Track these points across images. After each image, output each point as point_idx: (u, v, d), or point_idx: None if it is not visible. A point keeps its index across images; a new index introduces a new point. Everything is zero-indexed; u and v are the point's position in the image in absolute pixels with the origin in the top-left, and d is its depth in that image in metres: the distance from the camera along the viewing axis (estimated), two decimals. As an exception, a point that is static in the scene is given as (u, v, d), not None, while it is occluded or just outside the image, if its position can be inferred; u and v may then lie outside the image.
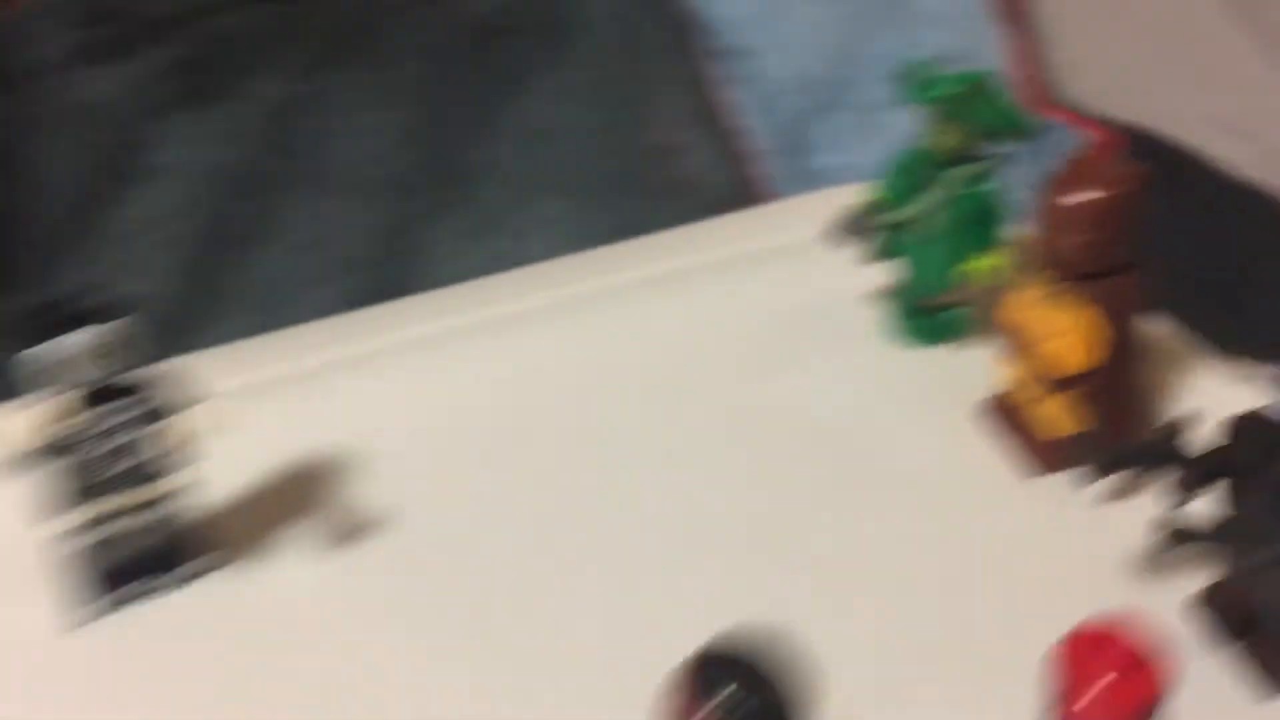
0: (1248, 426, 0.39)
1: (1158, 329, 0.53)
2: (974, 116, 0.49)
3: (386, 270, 0.69)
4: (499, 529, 0.47)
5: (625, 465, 0.50)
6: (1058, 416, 0.48)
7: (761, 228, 0.64)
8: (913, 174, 0.52)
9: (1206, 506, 0.40)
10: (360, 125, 0.79)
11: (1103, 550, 0.45)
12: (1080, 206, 0.45)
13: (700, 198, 0.75)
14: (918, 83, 0.49)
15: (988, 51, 0.86)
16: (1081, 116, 0.80)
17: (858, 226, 0.53)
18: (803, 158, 0.79)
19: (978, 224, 0.52)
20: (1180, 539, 0.39)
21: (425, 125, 0.78)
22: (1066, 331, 0.46)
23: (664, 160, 0.76)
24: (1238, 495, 0.38)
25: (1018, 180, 0.74)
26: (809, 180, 0.78)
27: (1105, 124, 0.78)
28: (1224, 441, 0.39)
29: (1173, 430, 0.39)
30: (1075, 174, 0.46)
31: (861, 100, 0.83)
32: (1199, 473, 0.39)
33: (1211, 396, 0.49)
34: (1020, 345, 0.49)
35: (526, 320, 0.57)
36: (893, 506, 0.48)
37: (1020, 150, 0.74)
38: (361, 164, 0.76)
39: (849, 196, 0.56)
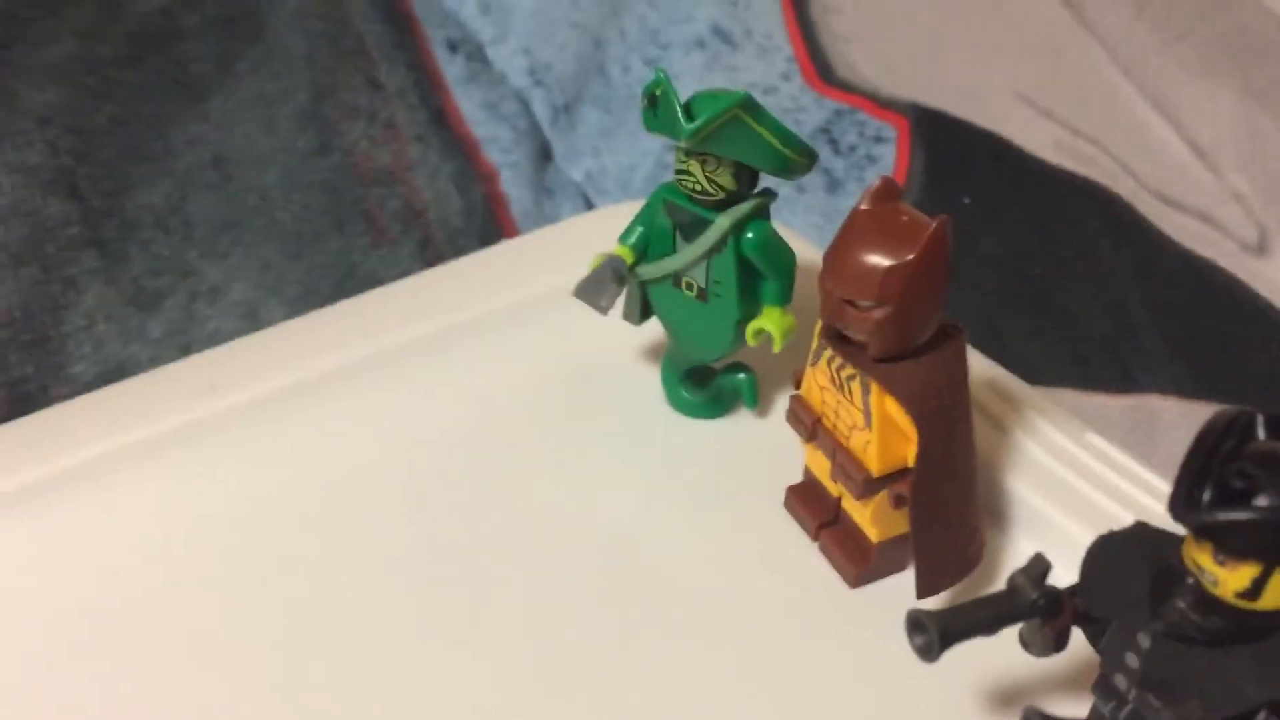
0: (1104, 552, 0.32)
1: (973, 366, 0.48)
2: (737, 150, 0.41)
3: (18, 362, 0.56)
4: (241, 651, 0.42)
5: (373, 587, 0.44)
6: (866, 520, 0.41)
7: (509, 272, 0.58)
8: (673, 216, 0.46)
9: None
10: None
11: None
12: (875, 271, 0.37)
13: (430, 230, 0.65)
14: (661, 117, 0.41)
15: (760, 23, 0.78)
16: (872, 100, 0.73)
17: (610, 281, 0.44)
18: (541, 170, 0.70)
19: (754, 276, 0.46)
20: None
21: (70, 163, 0.65)
22: (861, 427, 0.39)
23: (384, 186, 0.66)
24: (1123, 645, 0.32)
25: (806, 214, 0.69)
26: (553, 197, 0.69)
27: (898, 106, 0.72)
28: (1089, 578, 0.34)
29: (1017, 583, 0.32)
30: (868, 223, 0.37)
31: (608, 93, 0.75)
32: (1059, 629, 0.32)
33: (1051, 466, 0.46)
34: (815, 434, 0.41)
35: (229, 422, 0.49)
36: (688, 623, 0.43)
37: (803, 182, 0.68)
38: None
39: (604, 225, 0.51)
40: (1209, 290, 0.60)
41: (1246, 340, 0.58)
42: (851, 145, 0.72)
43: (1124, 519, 0.45)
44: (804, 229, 0.68)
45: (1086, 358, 0.58)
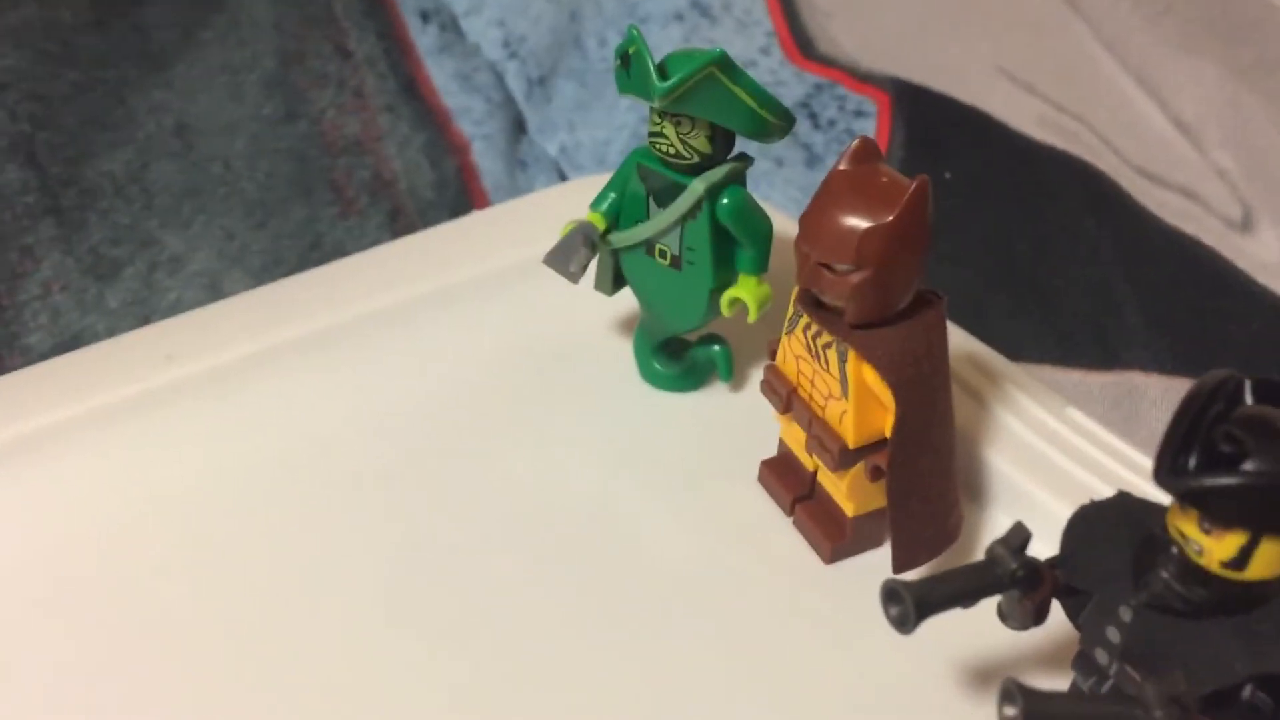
0: (1085, 523, 0.32)
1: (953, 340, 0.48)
2: (711, 110, 0.39)
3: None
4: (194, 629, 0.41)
5: (335, 560, 0.43)
6: (842, 494, 0.40)
7: (480, 243, 0.57)
8: (646, 181, 0.45)
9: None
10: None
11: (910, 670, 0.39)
12: (852, 233, 0.36)
13: (400, 201, 0.64)
14: (634, 76, 0.40)
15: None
16: (852, 74, 0.72)
17: (580, 247, 0.43)
18: (515, 142, 0.68)
19: (729, 244, 0.45)
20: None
21: (28, 130, 0.63)
22: (837, 397, 0.38)
23: (353, 156, 0.64)
24: (1104, 619, 0.31)
25: (785, 189, 0.67)
26: (526, 170, 0.68)
27: (878, 81, 0.71)
28: (1069, 549, 0.33)
29: (996, 553, 0.31)
30: (846, 184, 0.36)
31: (583, 66, 0.74)
32: (1038, 601, 0.31)
33: (1031, 441, 0.46)
34: (790, 405, 0.40)
35: (187, 392, 0.48)
36: (660, 600, 0.42)
37: (779, 146, 0.67)
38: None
39: (577, 196, 0.50)
40: (1191, 267, 0.59)
41: (1229, 317, 0.57)
42: (831, 120, 0.70)
43: (1104, 493, 0.45)
44: (783, 203, 0.67)
45: (1068, 334, 0.57)
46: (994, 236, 0.62)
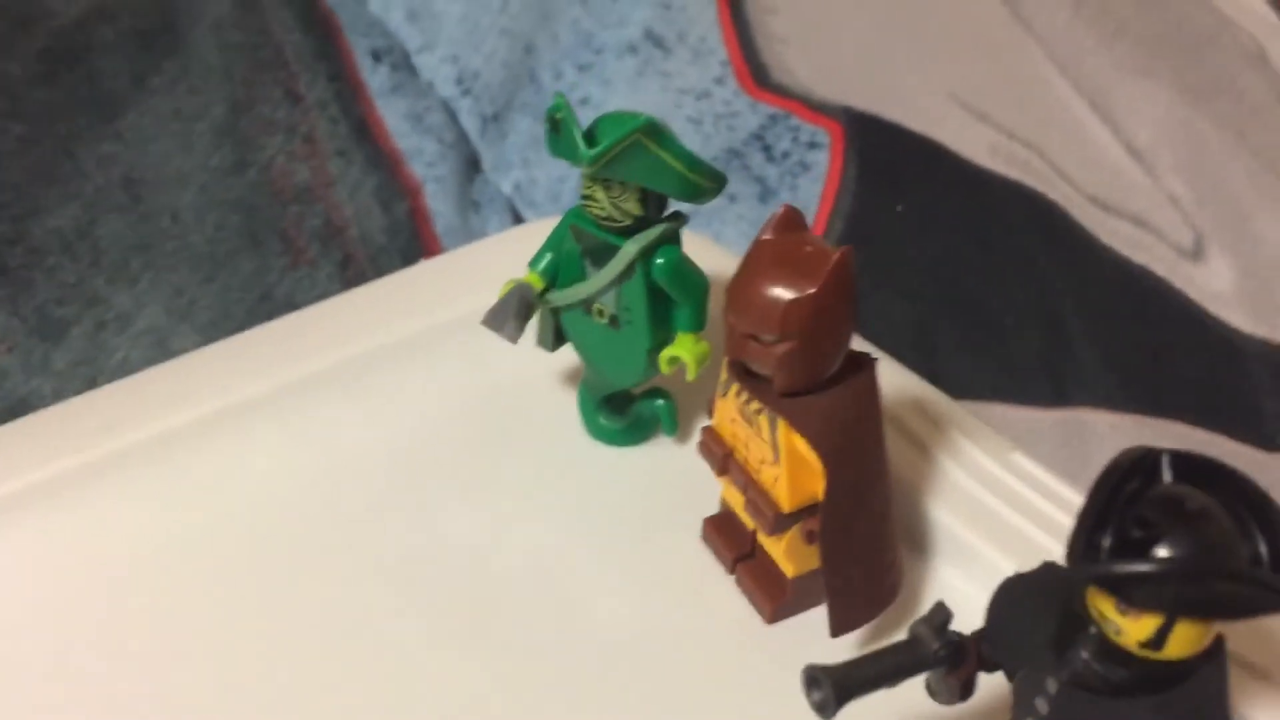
0: (1010, 596, 0.32)
1: (897, 378, 0.49)
2: (641, 175, 0.39)
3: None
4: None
5: (288, 622, 0.43)
6: (780, 555, 0.40)
7: (429, 293, 0.56)
8: (580, 242, 0.45)
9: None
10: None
11: None
12: (776, 305, 0.35)
13: (351, 248, 0.64)
14: (562, 142, 0.39)
15: (694, 26, 0.77)
16: (806, 104, 0.72)
17: (515, 312, 0.43)
18: (467, 183, 0.68)
19: (666, 302, 0.45)
20: None
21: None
22: (770, 462, 0.37)
23: (303, 204, 0.64)
24: (1033, 690, 0.31)
25: (737, 224, 0.67)
26: (480, 211, 0.68)
27: (831, 111, 0.71)
28: (994, 624, 0.33)
29: (918, 633, 0.31)
30: (770, 255, 0.36)
31: (539, 100, 0.73)
32: (964, 677, 0.31)
33: (974, 490, 0.46)
34: (726, 468, 0.40)
35: (134, 459, 0.47)
36: (601, 657, 0.42)
37: (731, 181, 0.66)
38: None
39: (526, 241, 0.49)
40: (1142, 299, 0.59)
41: (1179, 349, 0.57)
42: (785, 151, 0.70)
43: (1047, 544, 0.44)
44: (735, 239, 0.66)
45: (1018, 369, 0.57)
46: (945, 268, 0.62)
